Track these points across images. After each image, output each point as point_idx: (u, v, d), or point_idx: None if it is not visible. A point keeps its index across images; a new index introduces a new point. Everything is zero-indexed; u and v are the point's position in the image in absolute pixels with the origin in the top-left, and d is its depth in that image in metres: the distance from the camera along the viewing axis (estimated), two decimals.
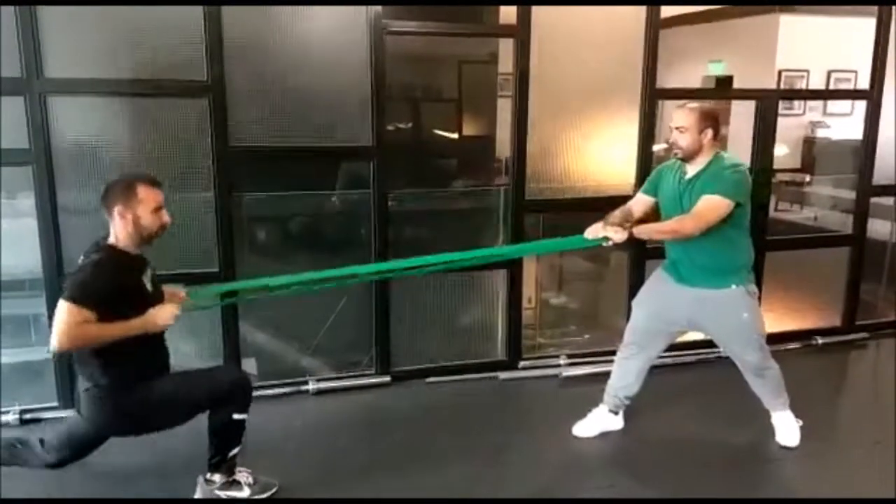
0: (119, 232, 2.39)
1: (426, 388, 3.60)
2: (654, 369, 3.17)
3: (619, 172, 3.72)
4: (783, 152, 6.00)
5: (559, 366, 3.78)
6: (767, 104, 3.96)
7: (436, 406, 3.44)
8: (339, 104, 3.33)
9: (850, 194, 4.37)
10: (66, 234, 3.06)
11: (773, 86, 7.48)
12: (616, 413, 3.14)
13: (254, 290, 3.13)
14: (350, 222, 3.68)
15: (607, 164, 3.73)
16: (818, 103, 8.10)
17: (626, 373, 3.07)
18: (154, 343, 2.46)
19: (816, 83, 7.82)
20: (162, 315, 2.36)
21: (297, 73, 3.23)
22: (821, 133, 7.97)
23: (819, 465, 2.94)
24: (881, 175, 4.21)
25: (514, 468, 2.87)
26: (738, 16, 7.83)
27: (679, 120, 2.75)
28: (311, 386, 3.48)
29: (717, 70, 8.39)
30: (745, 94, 4.96)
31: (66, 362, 3.18)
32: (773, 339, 3.46)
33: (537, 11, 3.43)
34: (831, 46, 7.30)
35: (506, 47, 4.31)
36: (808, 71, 7.85)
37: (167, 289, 2.61)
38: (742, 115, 5.51)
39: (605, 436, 3.11)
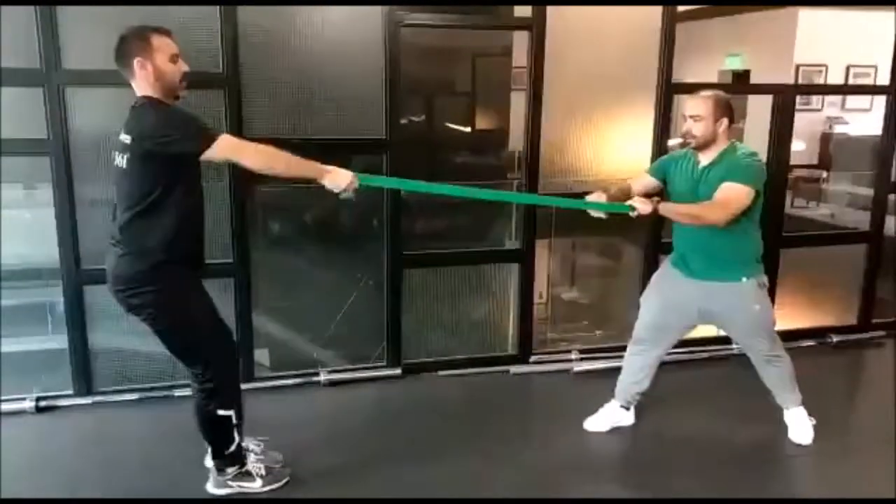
0: (146, 87, 2.25)
1: (437, 381, 3.61)
2: (666, 365, 3.15)
3: (634, 168, 3.68)
4: (800, 148, 5.94)
5: (571, 360, 3.78)
6: (785, 99, 3.92)
7: (446, 399, 3.45)
8: (353, 96, 3.33)
9: (867, 191, 4.33)
10: (82, 223, 3.10)
11: (791, 80, 7.41)
12: (627, 408, 3.13)
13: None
14: (363, 214, 3.69)
15: (621, 159, 3.70)
16: (836, 99, 8.00)
17: (636, 368, 3.06)
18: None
19: (835, 78, 7.72)
20: (345, 174, 2.31)
21: (311, 65, 3.24)
22: (838, 129, 7.88)
23: (832, 464, 2.92)
24: None
25: (524, 462, 2.87)
26: (756, 9, 7.74)
27: (694, 108, 2.71)
28: (323, 377, 3.50)
29: (735, 64, 8.30)
30: (762, 89, 4.90)
31: (82, 350, 3.22)
32: (788, 336, 3.44)
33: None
34: (851, 41, 7.22)
35: (520, 41, 4.29)
36: (826, 66, 7.76)
37: None
38: (759, 110, 5.47)
39: (616, 431, 3.11)
